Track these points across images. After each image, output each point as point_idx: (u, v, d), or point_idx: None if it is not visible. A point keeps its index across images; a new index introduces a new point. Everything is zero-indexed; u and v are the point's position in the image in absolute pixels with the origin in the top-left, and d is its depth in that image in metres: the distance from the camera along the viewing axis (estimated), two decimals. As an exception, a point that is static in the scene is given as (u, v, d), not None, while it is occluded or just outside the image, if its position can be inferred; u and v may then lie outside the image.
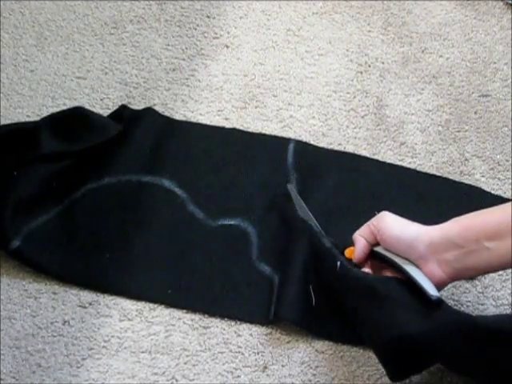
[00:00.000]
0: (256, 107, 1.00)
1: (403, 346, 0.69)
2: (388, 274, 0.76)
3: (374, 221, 0.76)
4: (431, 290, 0.70)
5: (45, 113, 0.97)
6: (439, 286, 0.72)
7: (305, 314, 0.79)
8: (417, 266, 0.72)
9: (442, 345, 0.68)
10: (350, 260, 0.78)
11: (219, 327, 0.80)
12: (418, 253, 0.72)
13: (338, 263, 0.78)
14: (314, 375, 0.77)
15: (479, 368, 0.69)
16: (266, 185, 0.91)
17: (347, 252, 0.79)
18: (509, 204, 0.70)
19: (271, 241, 0.86)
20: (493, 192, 0.93)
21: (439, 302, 0.70)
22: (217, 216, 0.88)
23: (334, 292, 0.79)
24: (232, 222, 0.88)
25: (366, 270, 0.78)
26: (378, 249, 0.76)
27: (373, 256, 0.77)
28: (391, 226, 0.74)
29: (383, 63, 1.05)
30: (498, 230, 0.68)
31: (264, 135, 0.96)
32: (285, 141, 0.95)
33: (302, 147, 0.95)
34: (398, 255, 0.74)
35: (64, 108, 0.96)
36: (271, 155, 0.94)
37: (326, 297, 0.80)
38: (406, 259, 0.73)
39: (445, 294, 0.83)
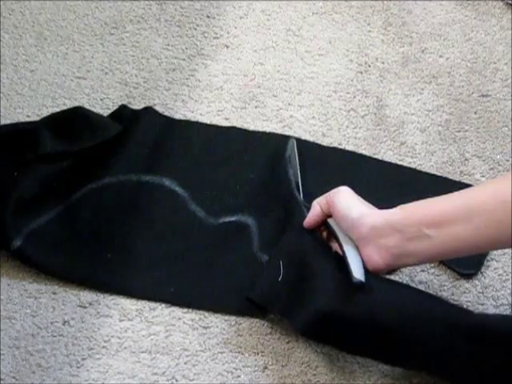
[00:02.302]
0: (256, 107, 1.00)
1: (320, 321, 0.71)
2: (333, 247, 0.78)
3: (331, 193, 0.77)
4: (357, 274, 0.71)
5: (45, 113, 0.97)
6: (375, 272, 0.73)
7: (268, 289, 0.78)
8: (357, 247, 0.73)
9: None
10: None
11: (219, 327, 0.80)
12: (359, 234, 0.73)
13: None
14: (314, 375, 0.77)
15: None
16: (266, 182, 0.91)
17: None
18: (454, 194, 0.71)
19: (271, 229, 0.86)
20: (493, 192, 0.93)
21: (360, 286, 0.71)
22: (218, 214, 0.88)
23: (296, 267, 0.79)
24: (233, 219, 0.88)
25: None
26: (330, 221, 0.77)
27: (326, 226, 0.78)
28: (342, 202, 0.75)
29: (383, 63, 1.05)
30: (440, 218, 0.69)
31: (263, 133, 0.97)
32: (284, 138, 0.95)
33: (301, 145, 0.95)
34: (345, 232, 0.75)
35: (64, 108, 0.97)
36: (271, 153, 0.94)
37: (293, 273, 0.78)
38: (350, 238, 0.74)
39: (445, 294, 0.83)
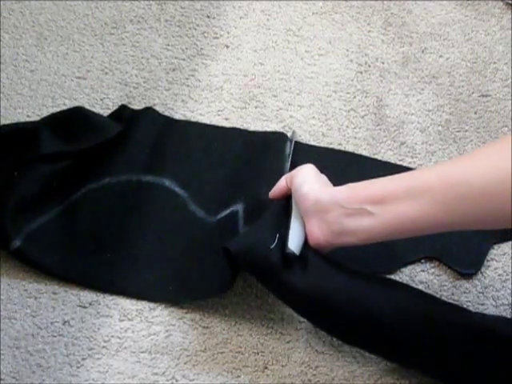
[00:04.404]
0: (256, 107, 1.00)
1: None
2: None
3: (296, 169, 0.78)
4: (292, 245, 0.72)
5: (45, 113, 0.97)
6: (317, 248, 0.73)
7: (256, 251, 0.75)
8: (303, 223, 0.74)
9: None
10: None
11: (219, 327, 0.81)
12: (305, 207, 0.73)
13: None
14: (314, 375, 0.78)
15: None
16: (266, 181, 0.91)
17: None
18: (402, 173, 0.70)
19: (255, 208, 0.84)
20: (493, 192, 0.93)
21: (291, 258, 0.72)
22: (216, 212, 0.88)
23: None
24: (228, 211, 0.88)
25: None
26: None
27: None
28: (299, 177, 0.76)
29: (383, 63, 1.05)
30: (383, 195, 0.68)
31: (262, 133, 0.96)
32: (283, 137, 0.95)
33: (300, 146, 0.95)
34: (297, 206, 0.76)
35: (64, 108, 0.97)
36: (270, 152, 0.94)
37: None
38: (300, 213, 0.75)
39: (445, 293, 0.83)
